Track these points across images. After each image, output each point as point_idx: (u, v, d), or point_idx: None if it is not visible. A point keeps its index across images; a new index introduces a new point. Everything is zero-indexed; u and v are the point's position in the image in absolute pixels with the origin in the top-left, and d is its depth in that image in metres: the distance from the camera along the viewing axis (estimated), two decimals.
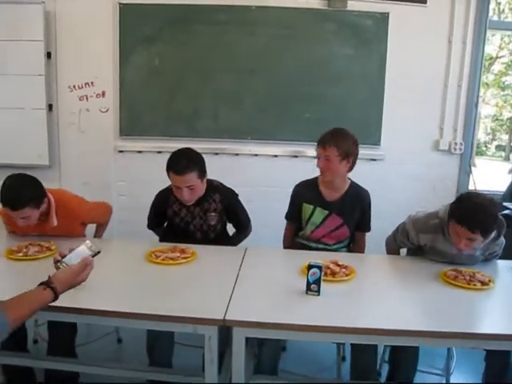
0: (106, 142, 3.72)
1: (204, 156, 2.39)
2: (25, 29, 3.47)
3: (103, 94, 3.64)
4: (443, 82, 3.65)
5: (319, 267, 1.79)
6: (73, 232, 2.44)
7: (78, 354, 2.20)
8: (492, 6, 3.75)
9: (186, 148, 2.38)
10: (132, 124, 3.71)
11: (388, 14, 3.51)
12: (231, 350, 1.67)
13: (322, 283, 1.81)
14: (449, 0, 3.53)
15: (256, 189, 3.63)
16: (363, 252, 2.61)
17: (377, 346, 2.08)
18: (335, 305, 1.77)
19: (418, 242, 2.28)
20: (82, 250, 1.52)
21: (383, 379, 2.34)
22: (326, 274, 1.94)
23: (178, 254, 2.17)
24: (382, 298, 1.88)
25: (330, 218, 2.47)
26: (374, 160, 3.70)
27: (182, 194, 2.32)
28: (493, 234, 2.13)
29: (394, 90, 3.60)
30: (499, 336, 1.61)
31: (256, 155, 3.73)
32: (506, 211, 3.32)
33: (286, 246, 2.64)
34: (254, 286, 1.93)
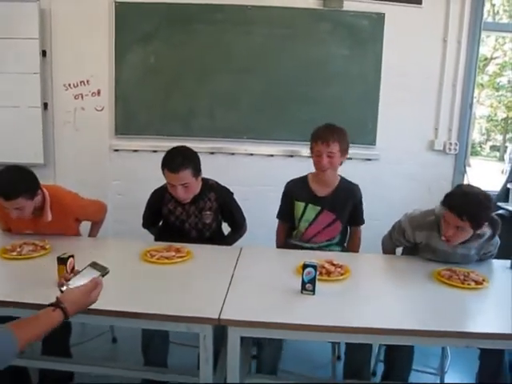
0: (101, 140, 3.71)
1: (200, 155, 2.39)
2: (20, 27, 3.46)
3: (99, 92, 3.63)
4: (438, 82, 3.66)
5: (314, 266, 1.79)
6: (67, 229, 2.45)
7: (73, 353, 2.21)
8: (487, 7, 3.77)
9: (182, 146, 2.39)
10: (127, 123, 3.70)
11: (384, 14, 3.52)
12: (226, 349, 1.67)
13: (317, 282, 1.81)
14: (444, 1, 3.55)
15: (251, 188, 3.64)
16: (359, 246, 2.62)
17: (371, 345, 2.08)
18: (330, 304, 1.77)
19: (414, 240, 2.28)
20: (88, 270, 1.49)
21: (378, 378, 2.35)
22: (321, 274, 1.95)
23: (174, 254, 2.17)
24: (376, 297, 1.89)
25: (323, 214, 2.47)
26: (370, 160, 3.71)
27: (176, 191, 2.32)
28: (488, 233, 2.14)
29: (389, 90, 3.61)
30: (493, 335, 1.62)
31: (252, 154, 3.73)
32: (501, 211, 3.34)
33: (278, 246, 2.64)
34: (249, 285, 1.93)
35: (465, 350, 2.33)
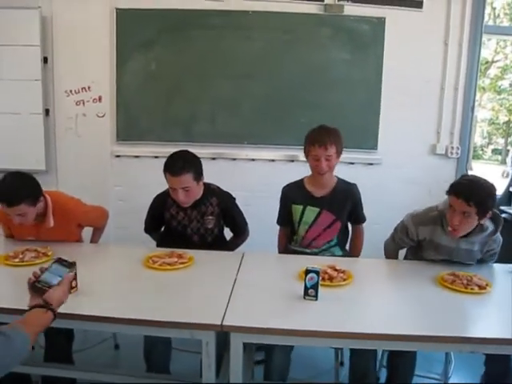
0: (102, 146, 3.72)
1: (201, 161, 2.39)
2: (21, 34, 3.48)
3: (100, 98, 3.64)
4: (440, 85, 3.66)
5: (317, 272, 1.79)
6: (69, 235, 2.46)
7: (75, 360, 2.20)
8: (487, 11, 3.77)
9: (184, 150, 2.39)
10: (129, 129, 3.71)
11: (384, 18, 3.53)
12: (229, 355, 1.66)
13: (320, 288, 1.80)
14: (444, 5, 3.56)
15: (253, 193, 3.63)
16: (362, 244, 2.61)
17: (376, 350, 2.07)
18: (333, 310, 1.77)
19: (417, 237, 2.28)
20: (56, 267, 1.49)
21: None
22: (323, 279, 1.93)
23: (176, 260, 2.16)
24: (379, 302, 1.88)
25: (322, 215, 2.46)
26: (371, 164, 3.71)
27: (177, 195, 2.33)
28: (490, 228, 2.16)
29: (390, 95, 3.61)
30: (496, 340, 1.60)
31: (253, 160, 3.73)
32: (503, 215, 3.33)
33: (280, 252, 2.63)
34: (252, 291, 1.93)
35: (468, 355, 2.31)
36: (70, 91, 3.62)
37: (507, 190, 3.73)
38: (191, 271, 2.13)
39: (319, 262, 2.04)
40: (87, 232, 2.63)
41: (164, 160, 2.34)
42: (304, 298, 1.81)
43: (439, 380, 2.46)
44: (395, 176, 3.73)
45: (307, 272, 1.79)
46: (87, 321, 1.66)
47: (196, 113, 3.67)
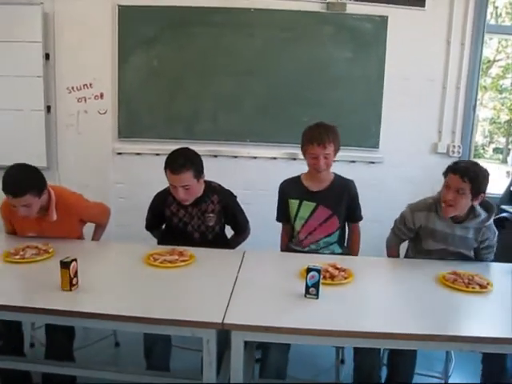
0: (104, 144, 3.71)
1: (202, 158, 2.39)
2: (23, 30, 3.47)
3: (101, 95, 3.64)
4: (441, 84, 3.66)
5: (318, 270, 1.79)
6: (71, 230, 2.46)
7: (76, 357, 2.20)
8: (489, 10, 3.76)
9: (185, 147, 2.39)
10: (130, 126, 3.70)
11: (387, 17, 3.52)
12: (230, 353, 1.66)
13: (321, 286, 1.80)
14: (447, 4, 3.55)
15: (254, 191, 3.63)
16: (359, 243, 2.60)
17: (379, 349, 2.07)
18: (334, 308, 1.76)
19: (414, 225, 2.34)
20: None
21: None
22: (324, 278, 1.93)
23: (177, 257, 2.16)
24: (380, 301, 1.88)
25: (318, 210, 2.45)
26: (373, 163, 3.70)
27: (177, 192, 2.33)
28: (483, 215, 2.22)
29: (392, 93, 3.60)
30: (497, 339, 1.60)
31: (255, 157, 3.73)
32: (504, 214, 3.33)
33: (283, 249, 2.63)
34: (253, 289, 1.92)
35: (469, 353, 2.31)
36: (72, 88, 3.62)
37: (508, 189, 3.72)
38: (192, 269, 2.12)
39: (320, 261, 2.03)
40: (89, 230, 2.63)
41: (165, 157, 2.34)
42: (305, 296, 1.81)
43: (440, 379, 2.45)
44: (396, 174, 3.72)
45: (308, 270, 1.79)
46: (88, 318, 1.66)
47: (198, 110, 3.67)
